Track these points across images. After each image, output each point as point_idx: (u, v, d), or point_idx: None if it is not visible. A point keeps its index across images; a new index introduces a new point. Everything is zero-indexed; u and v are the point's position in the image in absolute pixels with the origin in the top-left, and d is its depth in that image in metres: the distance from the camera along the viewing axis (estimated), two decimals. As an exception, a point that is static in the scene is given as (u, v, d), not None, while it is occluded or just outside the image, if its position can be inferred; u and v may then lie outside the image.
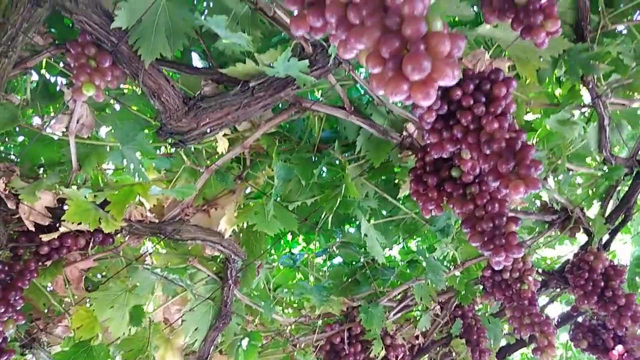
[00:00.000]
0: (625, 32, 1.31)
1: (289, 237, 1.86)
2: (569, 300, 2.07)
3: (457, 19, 1.24)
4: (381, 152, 1.19)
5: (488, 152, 0.86)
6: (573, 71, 1.18)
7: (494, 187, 0.92)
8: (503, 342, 2.17)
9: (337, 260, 1.76)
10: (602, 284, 1.48)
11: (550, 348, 1.28)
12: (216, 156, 1.12)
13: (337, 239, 1.54)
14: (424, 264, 1.44)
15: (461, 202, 1.02)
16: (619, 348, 1.62)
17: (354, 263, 1.66)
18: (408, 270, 1.59)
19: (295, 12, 0.67)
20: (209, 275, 1.34)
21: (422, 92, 0.49)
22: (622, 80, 1.28)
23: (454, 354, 1.79)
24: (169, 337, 1.45)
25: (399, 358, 1.54)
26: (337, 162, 1.19)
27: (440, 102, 0.92)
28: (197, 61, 1.19)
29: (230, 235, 1.25)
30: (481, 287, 1.53)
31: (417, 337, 1.73)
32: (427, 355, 1.82)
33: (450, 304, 1.62)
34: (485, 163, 0.87)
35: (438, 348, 1.79)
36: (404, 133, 1.19)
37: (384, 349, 1.51)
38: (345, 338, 1.48)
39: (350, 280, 1.61)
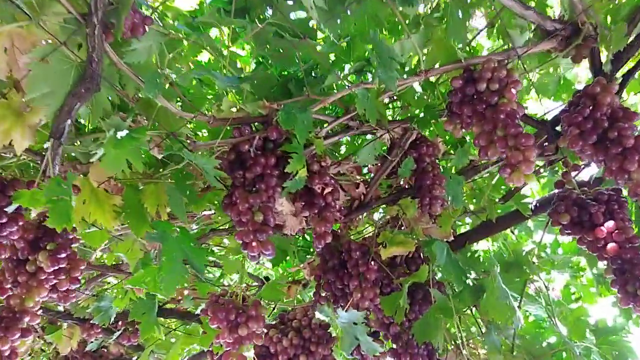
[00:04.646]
0: None
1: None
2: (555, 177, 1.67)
3: None
4: None
5: None
6: None
7: None
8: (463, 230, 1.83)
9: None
10: (606, 124, 1.11)
11: (526, 164, 0.91)
12: None
13: (267, 16, 1.14)
14: (375, 61, 1.05)
15: None
16: (609, 224, 1.26)
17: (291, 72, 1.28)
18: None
19: None
20: (69, 12, 0.95)
21: None
22: None
23: (401, 219, 1.44)
24: (22, 111, 1.08)
25: (325, 191, 1.18)
26: None
27: None
28: None
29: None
30: (446, 112, 1.15)
31: (357, 186, 1.37)
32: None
33: (405, 138, 1.25)
34: None
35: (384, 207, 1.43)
36: None
37: (307, 174, 1.15)
38: (258, 146, 1.11)
39: (279, 89, 1.23)
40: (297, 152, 1.10)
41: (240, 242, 1.03)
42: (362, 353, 1.22)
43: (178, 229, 1.10)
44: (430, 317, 1.25)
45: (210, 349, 1.40)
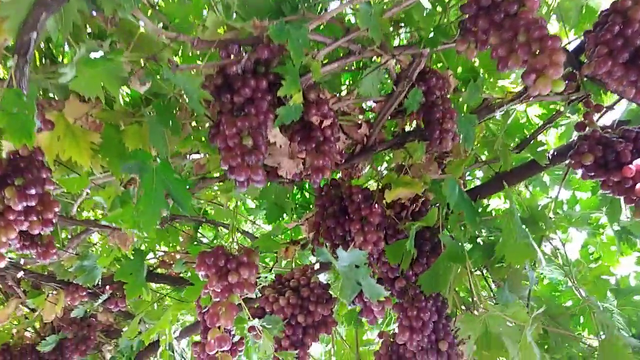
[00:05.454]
0: None
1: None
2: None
3: None
4: None
5: None
6: None
7: None
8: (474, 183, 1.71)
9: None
10: (639, 41, 0.99)
11: (554, 67, 0.79)
12: None
13: None
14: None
15: None
16: (638, 162, 1.14)
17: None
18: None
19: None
20: None
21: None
22: None
23: (407, 167, 1.32)
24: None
25: (324, 125, 1.07)
26: None
27: None
28: None
29: None
30: (459, 30, 1.02)
31: (359, 127, 1.25)
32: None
33: (412, 68, 1.13)
34: None
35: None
36: None
37: (303, 102, 1.03)
38: (248, 69, 1.00)
39: (272, 14, 1.12)
40: (291, 75, 0.98)
41: (227, 167, 0.92)
42: (365, 300, 1.11)
43: (158, 160, 0.99)
44: (440, 265, 1.13)
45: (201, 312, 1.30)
